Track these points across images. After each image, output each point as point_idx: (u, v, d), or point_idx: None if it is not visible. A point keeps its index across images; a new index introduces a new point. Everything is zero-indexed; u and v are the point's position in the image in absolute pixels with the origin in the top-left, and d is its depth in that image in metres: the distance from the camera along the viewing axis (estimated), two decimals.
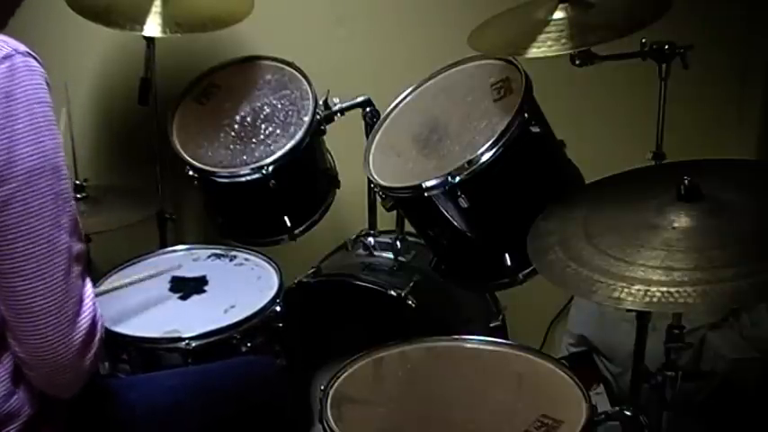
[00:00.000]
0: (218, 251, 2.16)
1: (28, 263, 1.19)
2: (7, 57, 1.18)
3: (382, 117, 1.93)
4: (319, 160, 2.17)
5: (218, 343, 1.81)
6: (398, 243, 2.08)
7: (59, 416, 1.36)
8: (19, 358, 1.26)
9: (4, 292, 1.21)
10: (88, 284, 1.29)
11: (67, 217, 1.23)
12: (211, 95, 2.17)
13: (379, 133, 1.90)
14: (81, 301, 1.26)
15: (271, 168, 1.97)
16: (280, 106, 2.10)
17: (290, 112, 2.08)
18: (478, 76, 1.84)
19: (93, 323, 1.28)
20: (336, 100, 2.08)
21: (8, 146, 1.16)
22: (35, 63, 1.21)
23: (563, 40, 1.68)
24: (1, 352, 1.27)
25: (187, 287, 2.00)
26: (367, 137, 1.99)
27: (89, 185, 2.10)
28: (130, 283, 1.90)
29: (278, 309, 1.92)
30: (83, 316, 1.26)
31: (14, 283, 1.20)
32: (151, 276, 1.95)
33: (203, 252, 2.17)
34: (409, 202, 1.78)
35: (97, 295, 1.33)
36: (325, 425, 1.43)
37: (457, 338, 1.68)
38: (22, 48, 1.21)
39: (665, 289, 1.30)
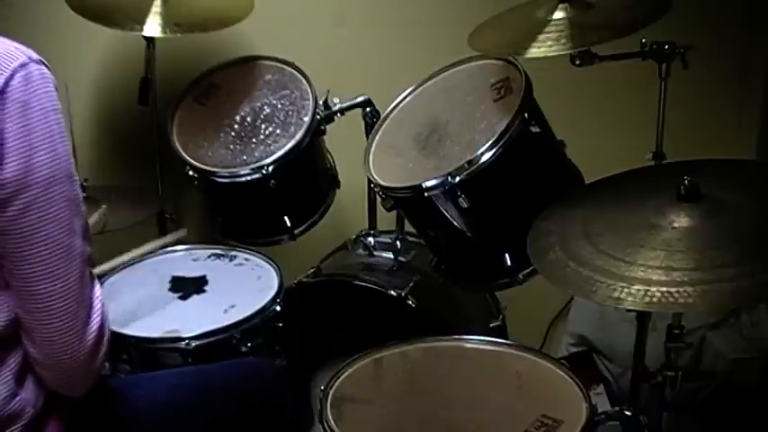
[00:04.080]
0: (218, 251, 2.16)
1: (46, 267, 1.21)
2: (23, 65, 1.19)
3: (382, 117, 1.93)
4: (319, 160, 2.17)
5: (218, 343, 1.81)
6: (398, 243, 2.09)
7: (62, 415, 1.36)
8: (34, 360, 1.28)
9: (24, 295, 1.23)
10: (97, 286, 1.32)
11: (80, 221, 1.26)
12: (211, 95, 2.17)
13: (379, 133, 1.90)
14: (92, 302, 1.29)
15: (271, 168, 1.97)
16: (280, 106, 2.10)
17: (290, 112, 2.08)
18: (478, 76, 1.84)
19: (103, 323, 1.31)
20: (336, 100, 2.08)
21: (27, 154, 1.18)
22: (47, 70, 1.23)
23: (563, 40, 1.68)
24: (6, 354, 1.28)
25: (187, 287, 2.00)
26: (367, 137, 1.99)
27: (89, 185, 2.10)
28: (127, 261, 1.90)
29: (278, 308, 1.92)
30: (94, 316, 1.29)
31: (33, 286, 1.22)
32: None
33: (203, 252, 2.17)
34: (409, 202, 1.78)
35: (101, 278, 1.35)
36: (325, 425, 1.43)
37: (457, 338, 1.68)
38: (35, 56, 1.22)
39: (665, 289, 1.30)
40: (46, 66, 1.23)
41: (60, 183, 1.21)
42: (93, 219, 1.69)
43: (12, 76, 1.18)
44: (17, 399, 1.28)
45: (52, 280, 1.22)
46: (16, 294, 1.23)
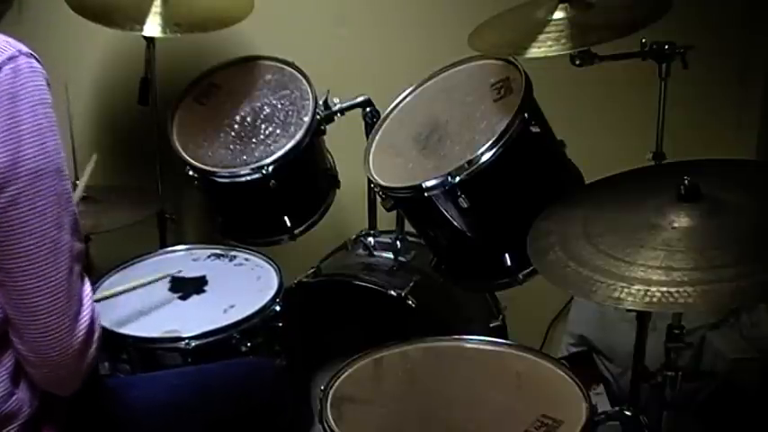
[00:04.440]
0: (217, 251, 2.16)
1: (33, 262, 1.21)
2: (11, 58, 1.19)
3: (382, 117, 1.93)
4: (319, 160, 2.17)
5: (218, 343, 1.81)
6: (398, 243, 2.09)
7: (59, 415, 1.36)
8: (22, 357, 1.27)
9: (11, 291, 1.22)
10: (87, 284, 1.31)
11: (69, 216, 1.25)
12: (211, 95, 2.17)
13: (379, 133, 1.90)
14: (81, 300, 1.28)
15: (271, 168, 1.97)
16: (280, 106, 2.10)
17: (290, 112, 2.08)
18: (478, 76, 1.84)
19: (92, 322, 1.30)
20: (336, 100, 2.08)
21: (15, 147, 1.17)
22: (37, 64, 1.22)
23: (563, 40, 1.68)
24: (2, 352, 1.28)
25: (187, 287, 2.00)
26: (367, 137, 1.99)
27: (89, 185, 2.10)
28: (131, 289, 1.91)
29: (277, 308, 1.92)
30: (83, 314, 1.28)
31: (20, 282, 1.21)
32: (150, 282, 1.95)
33: (203, 252, 2.17)
34: (409, 202, 1.78)
35: (98, 301, 1.34)
36: (325, 425, 1.43)
37: (457, 338, 1.68)
38: (25, 49, 1.22)
39: (665, 289, 1.30)
40: (37, 59, 1.22)
41: (49, 176, 1.20)
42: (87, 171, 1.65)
43: (0, 69, 1.17)
44: (14, 398, 1.28)
45: (40, 275, 1.21)
46: (4, 289, 1.23)
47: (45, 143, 1.20)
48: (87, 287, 1.31)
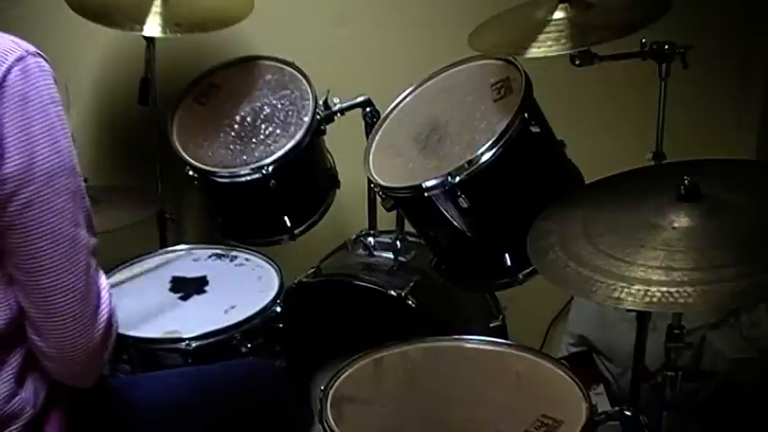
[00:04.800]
0: (218, 251, 2.16)
1: (52, 261, 1.21)
2: (20, 59, 1.19)
3: (382, 117, 1.93)
4: (319, 160, 2.18)
5: (219, 343, 1.81)
6: (398, 243, 2.08)
7: (62, 415, 1.36)
8: (41, 353, 1.27)
9: (31, 291, 1.23)
10: (103, 277, 1.32)
11: (83, 213, 1.26)
12: (211, 95, 2.17)
13: (379, 133, 1.90)
14: (99, 293, 1.29)
15: (271, 168, 1.97)
16: (280, 106, 2.10)
17: (290, 112, 2.08)
18: (478, 76, 1.84)
19: (111, 315, 1.31)
20: (336, 100, 2.08)
21: (29, 148, 1.18)
22: (45, 63, 1.22)
23: (563, 40, 1.68)
24: (8, 353, 1.28)
25: (187, 287, 2.00)
26: (367, 137, 1.99)
27: (89, 185, 2.09)
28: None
29: (278, 309, 1.92)
30: (103, 307, 1.29)
31: (40, 280, 1.22)
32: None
33: (203, 252, 2.17)
34: (409, 202, 1.78)
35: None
36: (325, 425, 1.43)
37: (457, 338, 1.68)
38: (33, 48, 1.22)
39: (665, 289, 1.30)
40: (44, 59, 1.22)
41: (63, 176, 1.21)
42: None
43: (9, 70, 1.17)
44: (17, 398, 1.28)
45: (58, 273, 1.22)
46: (22, 289, 1.23)
47: (58, 142, 1.20)
48: (104, 280, 1.31)
